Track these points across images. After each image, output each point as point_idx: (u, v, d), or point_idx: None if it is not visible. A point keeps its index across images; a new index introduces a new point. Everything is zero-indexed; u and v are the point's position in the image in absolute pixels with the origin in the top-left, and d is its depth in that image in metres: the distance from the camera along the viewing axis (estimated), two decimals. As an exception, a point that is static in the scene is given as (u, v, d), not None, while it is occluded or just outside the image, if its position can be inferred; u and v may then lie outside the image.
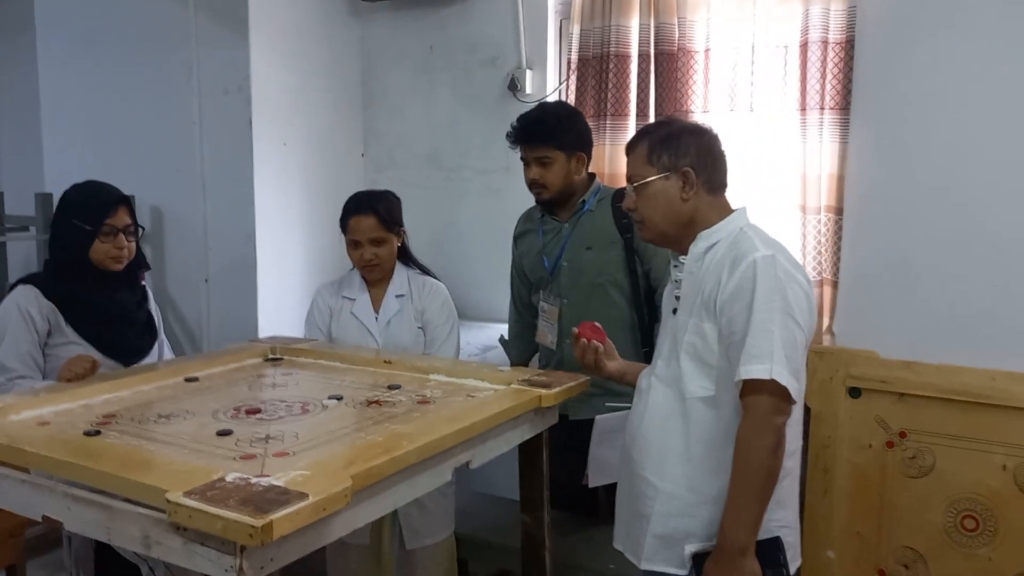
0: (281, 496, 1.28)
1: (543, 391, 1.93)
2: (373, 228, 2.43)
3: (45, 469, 1.50)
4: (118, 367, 2.21)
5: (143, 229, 2.28)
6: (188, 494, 1.29)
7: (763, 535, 1.61)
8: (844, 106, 2.83)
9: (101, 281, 2.20)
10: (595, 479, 2.45)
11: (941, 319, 2.79)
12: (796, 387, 1.57)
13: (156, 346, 2.34)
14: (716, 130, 1.80)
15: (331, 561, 2.49)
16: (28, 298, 2.13)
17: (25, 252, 4.22)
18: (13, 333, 2.09)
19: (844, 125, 2.84)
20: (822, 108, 2.86)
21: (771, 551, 1.64)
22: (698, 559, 1.67)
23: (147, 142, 3.67)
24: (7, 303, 2.14)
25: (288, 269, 3.59)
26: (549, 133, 2.45)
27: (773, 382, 1.54)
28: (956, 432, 2.69)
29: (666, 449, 1.71)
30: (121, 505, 1.39)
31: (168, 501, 1.28)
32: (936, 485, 2.72)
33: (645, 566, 1.74)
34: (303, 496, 1.28)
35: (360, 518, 1.46)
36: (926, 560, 2.74)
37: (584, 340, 1.96)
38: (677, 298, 1.75)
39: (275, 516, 1.21)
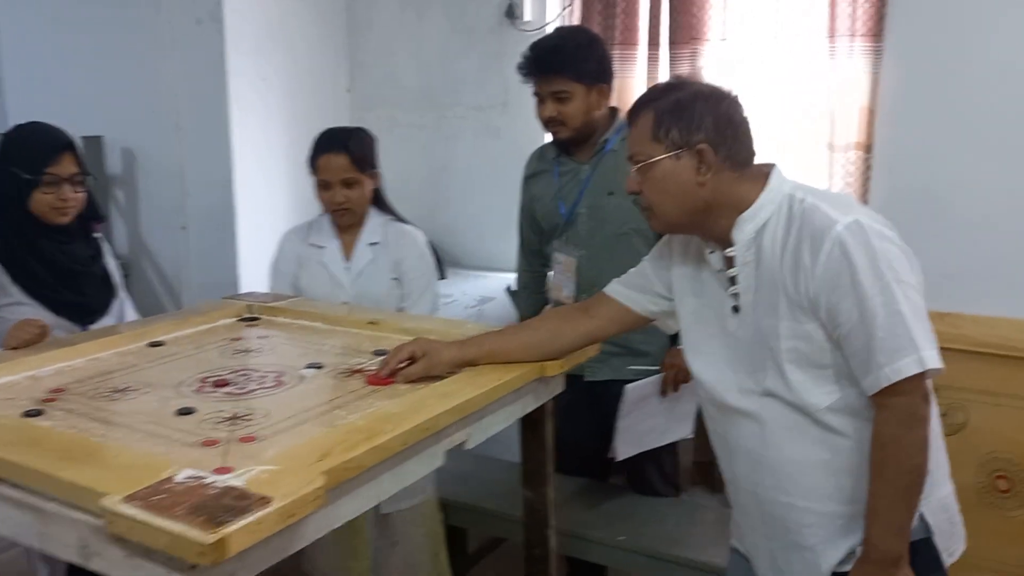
0: (239, 502, 1.07)
1: (549, 357, 1.71)
2: (345, 168, 2.22)
3: (-34, 463, 1.28)
4: (74, 328, 2.00)
5: (93, 178, 2.04)
6: (129, 499, 1.08)
7: (917, 534, 1.41)
8: (877, 33, 2.63)
9: (47, 235, 1.97)
10: (623, 451, 2.27)
11: (978, 266, 2.62)
12: (939, 359, 1.35)
13: (115, 304, 2.11)
14: (736, 92, 1.49)
15: None
16: None
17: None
18: None
19: (877, 53, 2.65)
20: (852, 35, 2.66)
21: (925, 554, 1.43)
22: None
23: (115, 78, 3.45)
24: None
25: (270, 214, 3.39)
26: (567, 63, 2.18)
27: (922, 372, 1.32)
28: (991, 388, 2.52)
29: (808, 467, 1.45)
30: (55, 508, 1.18)
31: (105, 508, 1.07)
32: (968, 443, 2.56)
33: None
34: (265, 502, 1.07)
35: (337, 517, 1.25)
36: (956, 523, 2.59)
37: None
38: (735, 295, 1.47)
39: (230, 529, 1.01)
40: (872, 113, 2.66)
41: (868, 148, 2.69)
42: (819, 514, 1.45)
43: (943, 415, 2.50)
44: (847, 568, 1.44)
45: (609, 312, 1.71)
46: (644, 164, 1.45)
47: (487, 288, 3.19)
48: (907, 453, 1.35)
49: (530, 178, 2.48)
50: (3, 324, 1.90)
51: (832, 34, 2.67)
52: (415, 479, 1.44)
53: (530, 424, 1.86)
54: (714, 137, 1.41)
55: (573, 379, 2.25)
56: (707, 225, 1.47)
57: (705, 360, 1.55)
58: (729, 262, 1.47)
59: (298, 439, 1.35)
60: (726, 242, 1.47)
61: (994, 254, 2.59)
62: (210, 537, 0.99)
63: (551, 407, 1.85)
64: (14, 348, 1.79)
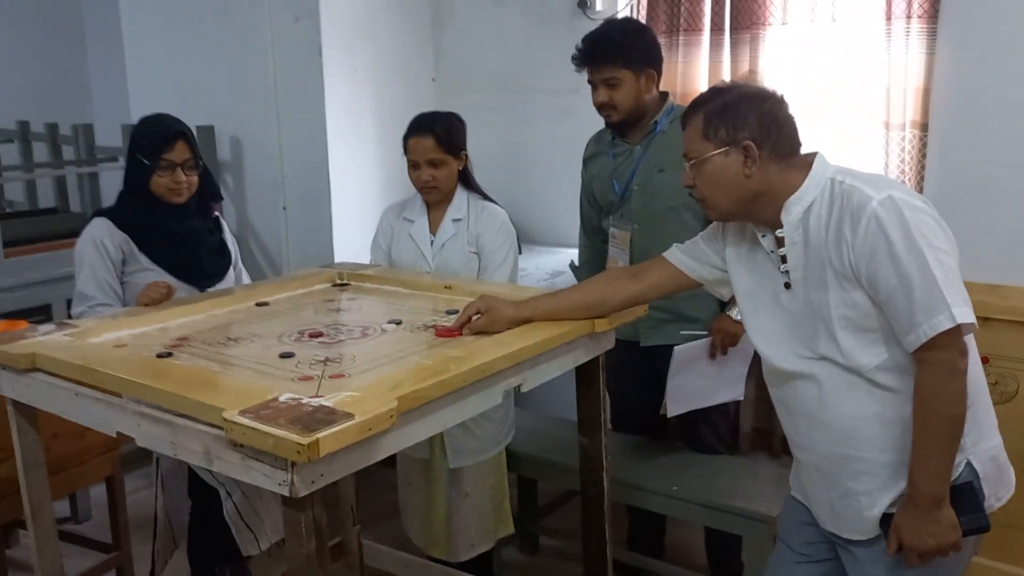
0: (328, 416, 1.33)
1: (596, 317, 1.92)
2: (431, 149, 2.41)
3: (115, 388, 1.59)
4: (193, 291, 2.29)
5: (203, 163, 2.31)
6: (243, 413, 1.35)
7: (962, 478, 1.55)
8: (932, 14, 2.67)
9: (169, 211, 2.27)
10: (673, 408, 2.44)
11: (1028, 241, 2.65)
12: (972, 315, 1.48)
13: (231, 272, 2.41)
14: (781, 92, 1.65)
15: (400, 472, 2.65)
16: (102, 229, 2.22)
17: (117, 183, 4.40)
18: (90, 263, 2.19)
19: (932, 35, 2.69)
20: (909, 16, 2.70)
21: (967, 496, 1.56)
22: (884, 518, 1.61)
23: (224, 72, 3.74)
24: (83, 236, 2.24)
25: (361, 195, 3.64)
26: (615, 51, 2.36)
27: (956, 327, 1.45)
28: (1043, 358, 2.58)
29: (863, 421, 1.59)
30: (184, 422, 1.46)
31: (224, 419, 1.35)
32: (1020, 411, 2.61)
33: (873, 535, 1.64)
34: (349, 416, 1.33)
35: (407, 438, 1.50)
36: (1006, 490, 2.65)
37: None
38: (786, 272, 1.64)
39: (321, 435, 1.27)
40: (928, 93, 2.70)
41: (924, 127, 2.73)
42: (873, 463, 1.59)
43: (994, 384, 2.62)
44: (895, 510, 1.58)
45: (657, 277, 1.88)
46: (697, 161, 1.63)
47: (559, 263, 3.35)
48: (947, 403, 1.47)
49: (588, 160, 2.66)
50: (133, 288, 2.22)
51: (889, 16, 2.72)
52: (477, 412, 1.68)
53: (585, 378, 2.07)
54: (758, 134, 1.57)
55: (630, 345, 2.45)
56: (757, 212, 1.63)
57: (763, 333, 1.72)
58: (780, 243, 1.63)
59: (378, 376, 1.60)
60: (776, 226, 1.62)
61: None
62: (306, 439, 1.25)
63: (603, 361, 2.05)
64: (145, 305, 2.11)
